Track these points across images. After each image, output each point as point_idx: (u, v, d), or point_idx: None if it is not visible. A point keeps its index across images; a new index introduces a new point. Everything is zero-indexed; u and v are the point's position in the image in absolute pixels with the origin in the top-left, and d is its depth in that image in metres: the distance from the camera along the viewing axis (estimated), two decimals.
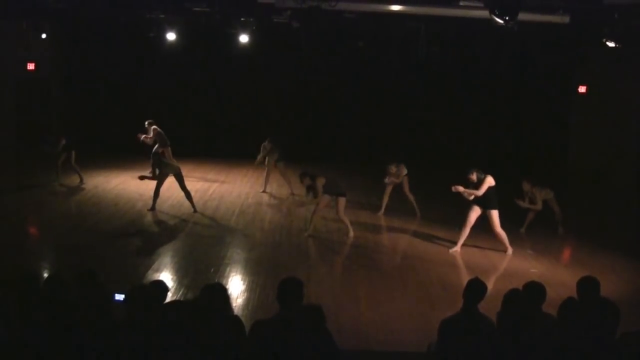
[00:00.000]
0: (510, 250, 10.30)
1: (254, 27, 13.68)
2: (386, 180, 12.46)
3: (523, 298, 4.97)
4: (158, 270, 8.96)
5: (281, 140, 14.20)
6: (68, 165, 13.98)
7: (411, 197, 12.52)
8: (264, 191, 14.19)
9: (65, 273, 5.26)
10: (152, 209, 12.00)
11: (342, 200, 10.76)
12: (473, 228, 10.25)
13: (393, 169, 12.34)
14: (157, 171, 12.09)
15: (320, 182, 10.73)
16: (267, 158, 14.00)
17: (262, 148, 14.03)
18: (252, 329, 4.64)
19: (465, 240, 10.36)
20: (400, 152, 14.42)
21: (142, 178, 12.03)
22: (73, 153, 13.93)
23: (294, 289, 4.77)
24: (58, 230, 10.86)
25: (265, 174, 14.25)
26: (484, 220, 10.17)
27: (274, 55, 18.01)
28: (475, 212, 10.09)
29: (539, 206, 11.31)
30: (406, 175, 12.35)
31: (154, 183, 12.05)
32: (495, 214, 10.01)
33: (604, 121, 17.82)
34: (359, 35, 15.22)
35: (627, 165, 17.07)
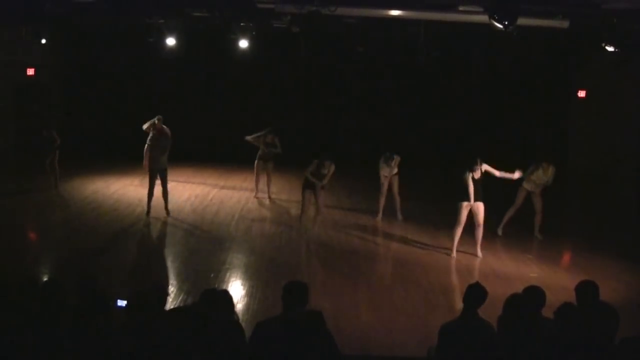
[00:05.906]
0: (480, 254, 10.20)
1: (254, 32, 13.69)
2: (382, 173, 12.10)
3: (523, 302, 4.96)
4: (158, 275, 8.95)
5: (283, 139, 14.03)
6: (51, 165, 13.61)
7: (398, 199, 12.36)
8: (267, 197, 14.08)
9: (65, 278, 5.25)
10: (148, 213, 11.97)
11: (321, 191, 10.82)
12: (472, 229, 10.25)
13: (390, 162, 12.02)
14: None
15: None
16: (263, 162, 13.77)
17: (262, 138, 13.71)
18: (255, 330, 4.64)
19: (465, 245, 10.33)
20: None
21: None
22: (57, 153, 13.57)
23: (300, 292, 4.79)
24: (57, 236, 10.87)
25: (266, 180, 14.11)
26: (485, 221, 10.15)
27: (274, 60, 18.02)
28: (465, 210, 9.95)
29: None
30: (397, 174, 12.12)
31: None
32: (482, 206, 9.96)
33: (604, 125, 17.82)
34: (358, 41, 15.22)
35: (626, 170, 17.06)
